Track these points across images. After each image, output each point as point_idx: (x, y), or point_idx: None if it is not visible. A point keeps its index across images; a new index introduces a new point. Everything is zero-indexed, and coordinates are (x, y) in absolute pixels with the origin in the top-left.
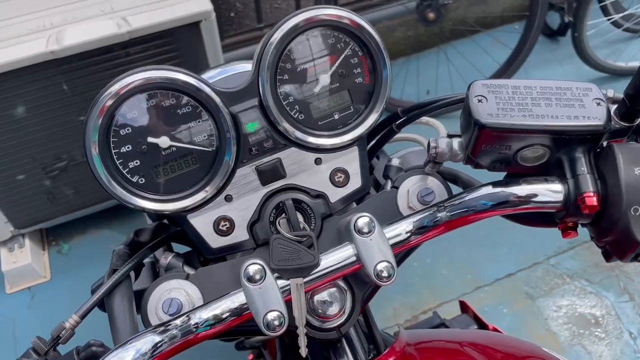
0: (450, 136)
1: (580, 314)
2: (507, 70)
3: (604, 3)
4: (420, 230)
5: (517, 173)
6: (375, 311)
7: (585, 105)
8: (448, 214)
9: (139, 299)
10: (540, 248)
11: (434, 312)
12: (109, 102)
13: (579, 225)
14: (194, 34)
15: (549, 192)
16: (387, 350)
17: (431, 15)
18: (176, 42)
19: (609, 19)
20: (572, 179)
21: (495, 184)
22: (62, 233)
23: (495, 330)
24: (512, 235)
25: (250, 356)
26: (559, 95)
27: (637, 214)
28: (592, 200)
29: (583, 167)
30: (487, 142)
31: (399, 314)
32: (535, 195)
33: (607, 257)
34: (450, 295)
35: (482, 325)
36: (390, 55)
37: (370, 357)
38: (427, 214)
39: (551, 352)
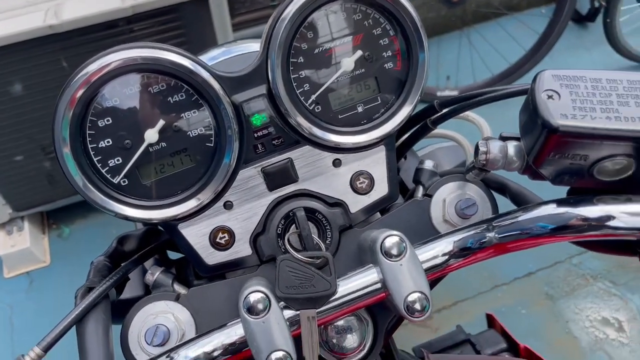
0: (503, 138)
1: (604, 317)
2: (533, 56)
3: None
4: (463, 252)
5: (586, 189)
6: None
7: None
8: (498, 235)
9: (123, 310)
10: (562, 246)
11: (458, 325)
12: (80, 91)
13: None
14: (202, 10)
15: (632, 215)
16: None
17: None
18: (183, 19)
19: None
20: None
21: (560, 202)
22: (63, 216)
23: (526, 350)
24: None
25: None
26: None
27: None
28: None
29: None
30: (557, 150)
31: None
32: (612, 218)
33: None
34: (465, 293)
35: (511, 343)
36: None
37: None
38: (472, 232)
39: None
